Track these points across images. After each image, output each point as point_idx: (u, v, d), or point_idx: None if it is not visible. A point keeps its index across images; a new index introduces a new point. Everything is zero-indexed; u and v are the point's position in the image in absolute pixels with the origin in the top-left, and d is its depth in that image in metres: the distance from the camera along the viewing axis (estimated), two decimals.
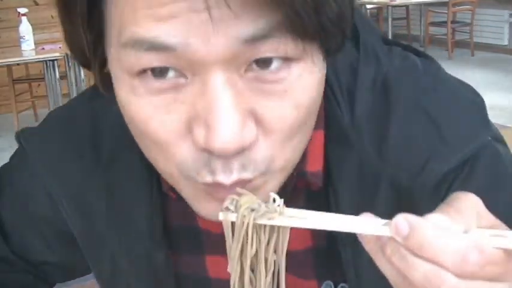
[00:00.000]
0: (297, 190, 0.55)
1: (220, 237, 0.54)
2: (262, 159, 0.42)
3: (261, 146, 0.42)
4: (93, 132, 0.60)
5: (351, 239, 0.52)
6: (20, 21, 4.81)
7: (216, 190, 0.43)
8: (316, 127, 0.50)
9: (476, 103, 0.54)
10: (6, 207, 0.65)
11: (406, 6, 8.29)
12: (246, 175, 0.42)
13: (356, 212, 0.51)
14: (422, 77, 0.55)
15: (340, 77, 0.53)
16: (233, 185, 0.42)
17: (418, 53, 0.58)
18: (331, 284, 0.58)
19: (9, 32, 5.80)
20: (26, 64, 5.37)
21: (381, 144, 0.52)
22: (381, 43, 0.57)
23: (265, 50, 0.39)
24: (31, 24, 4.86)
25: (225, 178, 0.42)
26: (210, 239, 0.60)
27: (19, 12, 4.83)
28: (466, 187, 0.49)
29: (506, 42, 7.59)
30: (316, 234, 0.57)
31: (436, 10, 7.66)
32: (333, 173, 0.53)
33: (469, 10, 7.60)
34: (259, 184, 0.44)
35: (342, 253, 0.55)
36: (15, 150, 0.65)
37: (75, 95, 4.56)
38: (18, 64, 5.06)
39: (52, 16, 6.17)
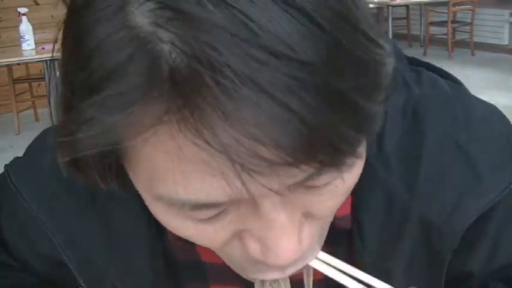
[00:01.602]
0: None
1: (224, 267, 0.53)
2: (311, 248, 0.41)
3: (314, 239, 0.41)
4: None
5: (378, 275, 0.51)
6: (20, 21, 4.81)
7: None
8: None
9: (505, 134, 0.52)
10: (5, 225, 0.64)
11: (407, 6, 8.29)
12: (301, 266, 0.41)
13: (381, 247, 0.51)
14: (454, 107, 0.52)
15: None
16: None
17: (441, 73, 0.57)
18: None
19: (10, 31, 5.80)
20: (26, 64, 5.37)
21: (411, 178, 0.50)
22: (408, 69, 0.54)
23: (314, 182, 0.36)
24: (31, 24, 4.86)
25: (279, 275, 0.41)
26: (214, 270, 0.58)
27: (19, 12, 4.83)
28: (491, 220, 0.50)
29: (506, 42, 7.59)
30: None
31: (436, 10, 7.66)
32: (358, 206, 0.51)
33: (470, 10, 7.59)
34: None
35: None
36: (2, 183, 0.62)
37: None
38: (18, 64, 5.06)
39: (52, 16, 6.18)
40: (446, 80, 0.55)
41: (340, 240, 0.53)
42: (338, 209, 0.48)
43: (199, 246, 0.52)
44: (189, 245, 0.53)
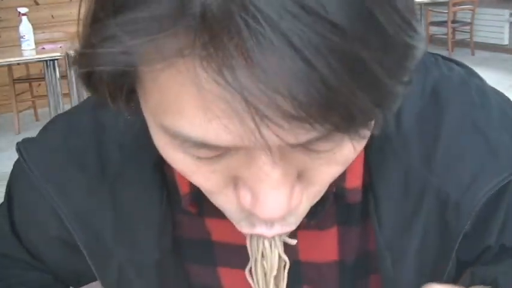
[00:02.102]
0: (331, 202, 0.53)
1: (233, 248, 0.57)
2: (304, 211, 0.42)
3: (303, 202, 0.41)
4: (98, 144, 0.57)
5: (393, 251, 0.53)
6: (20, 21, 4.81)
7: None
8: None
9: None
10: (17, 216, 0.65)
11: None
12: (286, 229, 0.42)
13: (397, 223, 0.52)
14: (470, 90, 0.54)
15: None
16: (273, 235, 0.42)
17: (456, 63, 0.58)
18: None
19: (10, 31, 5.80)
20: (27, 64, 5.37)
21: (429, 153, 0.51)
22: (426, 51, 0.54)
23: (318, 146, 0.36)
24: (31, 24, 4.86)
25: (266, 231, 0.42)
26: (223, 251, 0.59)
27: (19, 12, 4.83)
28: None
29: (506, 42, 7.59)
30: (344, 248, 0.56)
31: (437, 10, 7.65)
32: (375, 183, 0.52)
33: (470, 10, 7.59)
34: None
35: (381, 265, 0.54)
36: (16, 161, 0.63)
37: (75, 94, 4.57)
38: (18, 64, 5.06)
39: (52, 16, 6.18)
40: (460, 67, 0.57)
41: (353, 217, 0.54)
42: (349, 180, 0.52)
43: (210, 222, 0.57)
44: (198, 221, 0.55)
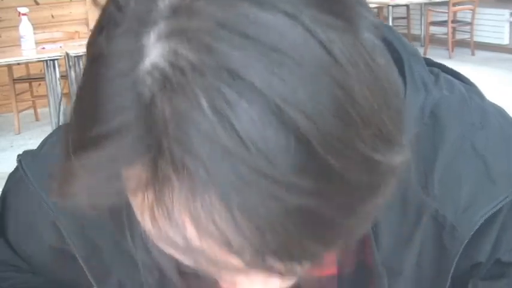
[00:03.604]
0: None
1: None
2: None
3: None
4: None
5: (388, 270, 0.53)
6: (21, 21, 4.81)
7: None
8: None
9: None
10: (12, 226, 0.65)
11: (407, 6, 8.29)
12: None
13: (395, 244, 0.53)
14: (471, 111, 0.54)
15: None
16: None
17: (454, 74, 0.57)
18: None
19: (10, 31, 5.80)
20: (27, 64, 5.37)
21: (426, 176, 0.52)
22: (427, 71, 0.54)
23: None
24: (31, 24, 4.86)
25: None
26: None
27: (19, 12, 4.83)
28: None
29: (506, 42, 7.59)
30: (342, 261, 0.56)
31: (437, 9, 7.66)
32: None
33: (470, 9, 7.59)
34: None
35: (377, 283, 0.54)
36: (12, 172, 0.63)
37: (75, 95, 4.57)
38: (18, 63, 5.06)
39: (52, 16, 6.18)
40: (460, 82, 0.56)
41: None
42: None
43: None
44: None
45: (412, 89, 0.51)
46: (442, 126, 0.52)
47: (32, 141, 4.89)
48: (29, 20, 4.83)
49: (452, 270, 0.53)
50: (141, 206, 0.33)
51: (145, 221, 0.34)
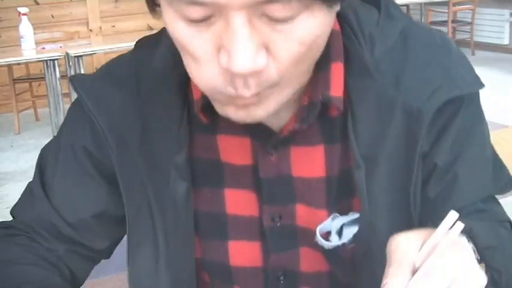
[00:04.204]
0: (317, 118, 0.64)
1: (240, 169, 0.68)
2: (274, 79, 0.52)
3: (272, 70, 0.52)
4: (135, 73, 0.70)
5: (367, 161, 0.63)
6: (21, 21, 4.81)
7: (238, 99, 0.54)
8: (336, 60, 0.64)
9: (465, 57, 0.69)
10: (64, 143, 0.74)
11: (407, 6, 8.28)
12: (261, 89, 0.52)
13: (371, 135, 0.63)
14: (435, 35, 0.68)
15: (363, 26, 0.65)
16: (251, 96, 0.52)
17: None
18: (339, 215, 0.66)
19: (10, 31, 5.80)
20: (27, 63, 5.37)
21: (397, 78, 0.63)
22: (396, 4, 0.69)
23: (278, 11, 0.49)
24: (31, 24, 4.86)
25: (245, 92, 0.52)
26: (231, 172, 0.69)
27: (19, 12, 4.83)
28: (454, 121, 0.65)
29: (507, 42, 7.59)
30: (329, 164, 0.67)
31: (437, 9, 7.65)
32: (353, 100, 0.63)
33: (470, 9, 7.59)
34: (267, 94, 0.54)
35: (356, 175, 0.63)
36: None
37: (75, 94, 4.57)
38: (18, 63, 5.06)
39: (52, 16, 6.18)
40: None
41: (336, 134, 0.66)
42: (333, 89, 0.63)
43: (220, 140, 0.69)
44: (211, 140, 0.68)
45: (384, 18, 0.67)
46: (410, 41, 0.66)
47: (32, 141, 4.87)
48: (29, 20, 4.83)
49: (417, 157, 0.63)
50: None
51: None
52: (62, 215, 0.73)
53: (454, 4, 7.43)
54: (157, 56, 0.69)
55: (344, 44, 0.65)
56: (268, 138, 0.65)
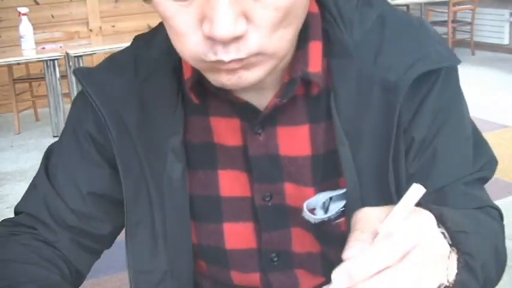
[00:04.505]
0: (298, 96, 0.68)
1: (232, 150, 0.72)
2: (254, 45, 0.55)
3: (251, 36, 0.55)
4: (134, 60, 0.75)
5: (350, 137, 0.66)
6: (21, 21, 4.81)
7: (219, 64, 0.56)
8: (314, 39, 0.68)
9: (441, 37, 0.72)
10: (68, 129, 0.77)
11: (407, 6, 8.28)
12: (240, 55, 0.55)
13: (353, 112, 0.67)
14: (412, 19, 0.71)
15: (342, 12, 0.69)
16: (231, 61, 0.55)
17: None
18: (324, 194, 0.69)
19: (10, 31, 5.80)
20: (27, 63, 5.37)
21: (376, 56, 0.67)
22: None
23: None
24: (31, 24, 4.86)
25: (224, 56, 0.54)
26: (223, 153, 0.72)
27: (19, 12, 4.83)
28: (432, 94, 0.68)
29: (507, 42, 7.59)
30: (315, 143, 0.70)
31: (437, 9, 7.66)
32: (334, 79, 0.67)
33: (470, 9, 7.59)
34: (254, 61, 0.56)
35: (341, 150, 0.66)
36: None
37: (75, 94, 4.57)
38: (18, 63, 5.06)
39: (52, 16, 6.18)
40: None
41: (320, 114, 0.69)
42: (311, 66, 0.67)
43: (213, 121, 0.72)
44: (204, 122, 0.71)
45: (363, 4, 0.70)
46: (387, 23, 0.69)
47: (32, 141, 4.88)
48: (29, 20, 4.83)
49: (395, 128, 0.65)
50: None
51: None
52: (65, 200, 0.75)
53: (454, 4, 7.43)
54: (154, 43, 0.73)
55: (323, 28, 0.69)
56: (256, 117, 0.68)
